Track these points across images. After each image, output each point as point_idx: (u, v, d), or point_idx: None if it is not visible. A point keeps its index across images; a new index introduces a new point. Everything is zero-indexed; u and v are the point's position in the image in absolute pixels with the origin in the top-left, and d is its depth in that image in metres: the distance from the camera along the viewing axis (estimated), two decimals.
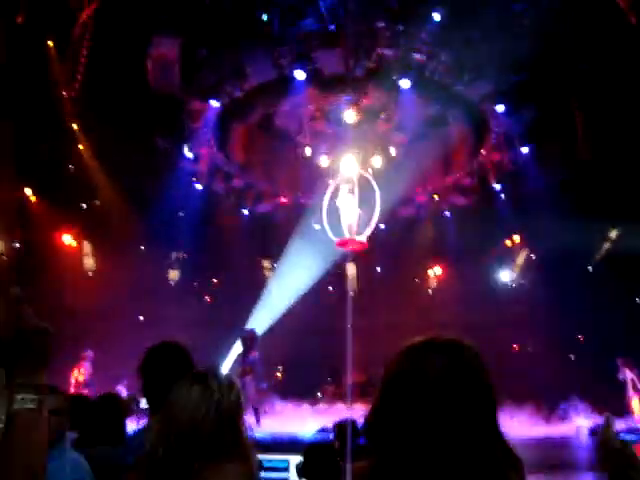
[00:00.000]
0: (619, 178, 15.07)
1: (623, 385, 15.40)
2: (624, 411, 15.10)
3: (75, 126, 15.64)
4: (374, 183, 16.43)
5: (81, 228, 16.94)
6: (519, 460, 1.38)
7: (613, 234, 18.48)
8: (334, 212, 16.79)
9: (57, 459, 2.72)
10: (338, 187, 16.89)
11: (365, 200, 16.31)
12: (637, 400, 15.09)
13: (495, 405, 1.35)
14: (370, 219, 16.30)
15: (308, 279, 19.16)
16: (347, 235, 16.44)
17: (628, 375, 15.12)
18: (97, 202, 17.29)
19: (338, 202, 16.88)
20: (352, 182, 16.67)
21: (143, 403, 3.44)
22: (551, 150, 16.22)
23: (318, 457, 4.46)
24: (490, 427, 1.33)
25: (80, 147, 16.05)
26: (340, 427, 5.21)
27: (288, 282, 19.11)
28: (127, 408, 4.21)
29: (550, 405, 15.49)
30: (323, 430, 11.33)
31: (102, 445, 3.52)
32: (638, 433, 13.12)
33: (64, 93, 14.48)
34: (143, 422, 3.04)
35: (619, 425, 14.09)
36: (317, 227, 16.91)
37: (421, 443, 1.29)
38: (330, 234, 16.54)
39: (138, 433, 3.19)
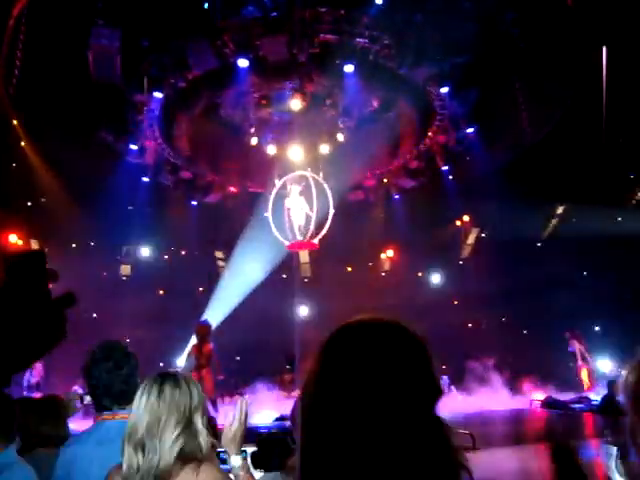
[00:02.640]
0: (564, 158, 15.38)
1: (572, 357, 15.83)
2: (573, 381, 15.55)
3: (15, 122, 15.31)
4: (325, 185, 16.56)
5: (27, 227, 16.58)
6: (455, 448, 1.26)
7: (559, 210, 18.88)
8: (280, 210, 16.92)
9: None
10: (285, 186, 16.96)
11: (310, 199, 16.47)
12: (585, 371, 15.52)
13: (434, 389, 1.27)
14: (320, 220, 16.44)
15: (261, 268, 19.13)
16: (298, 237, 16.54)
17: (576, 347, 15.54)
18: (43, 199, 16.97)
19: (287, 203, 16.96)
20: (302, 182, 16.78)
21: (88, 399, 3.41)
22: (496, 131, 16.44)
23: (273, 446, 4.48)
24: (427, 413, 1.25)
25: (22, 144, 15.72)
26: (295, 415, 5.22)
27: (242, 272, 19.05)
28: (68, 407, 4.14)
29: (505, 379, 15.83)
30: (281, 418, 11.37)
31: (45, 447, 3.49)
32: (586, 403, 13.53)
33: (1, 89, 14.12)
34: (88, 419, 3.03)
35: (569, 395, 14.58)
36: (267, 214, 16.96)
37: (353, 427, 1.21)
38: (280, 238, 16.64)
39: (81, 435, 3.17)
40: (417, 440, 1.21)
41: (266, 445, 4.52)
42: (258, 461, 4.42)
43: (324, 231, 16.53)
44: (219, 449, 2.67)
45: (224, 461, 2.66)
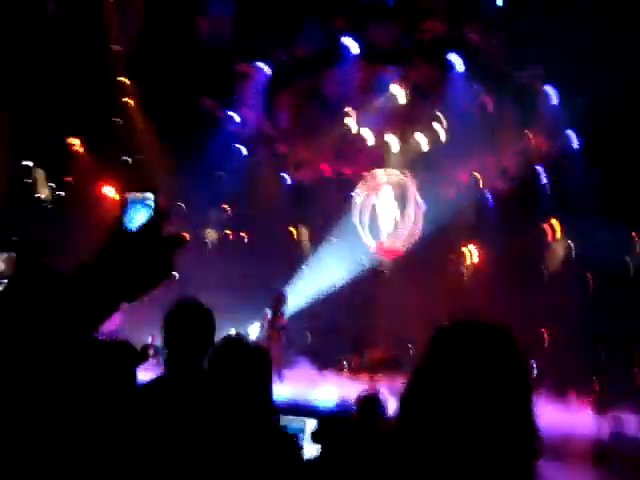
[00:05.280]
0: None
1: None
2: None
3: (125, 80, 15.78)
4: (417, 195, 16.45)
5: (123, 182, 17.12)
6: (541, 447, 1.37)
7: None
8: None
9: None
10: (376, 187, 16.93)
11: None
12: None
13: (529, 392, 1.37)
14: (410, 227, 16.37)
15: (347, 259, 19.02)
16: (384, 241, 16.52)
17: None
18: (140, 157, 17.46)
19: (377, 203, 16.94)
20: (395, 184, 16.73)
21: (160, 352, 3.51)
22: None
23: (335, 426, 4.52)
24: (524, 414, 1.34)
25: (128, 101, 16.21)
26: (364, 399, 5.24)
27: (329, 260, 18.97)
28: (141, 355, 4.25)
29: (578, 393, 15.42)
30: (343, 401, 11.40)
31: None
32: None
33: (116, 47, 14.59)
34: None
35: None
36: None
37: (448, 423, 1.30)
38: (366, 238, 16.61)
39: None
40: (509, 429, 1.30)
41: (329, 423, 4.56)
42: (318, 437, 4.48)
43: (412, 239, 16.53)
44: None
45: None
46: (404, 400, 1.41)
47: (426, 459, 1.30)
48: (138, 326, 14.68)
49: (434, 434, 1.31)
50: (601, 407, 14.77)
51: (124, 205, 1.31)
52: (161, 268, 1.33)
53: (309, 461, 3.16)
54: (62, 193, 16.57)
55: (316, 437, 4.48)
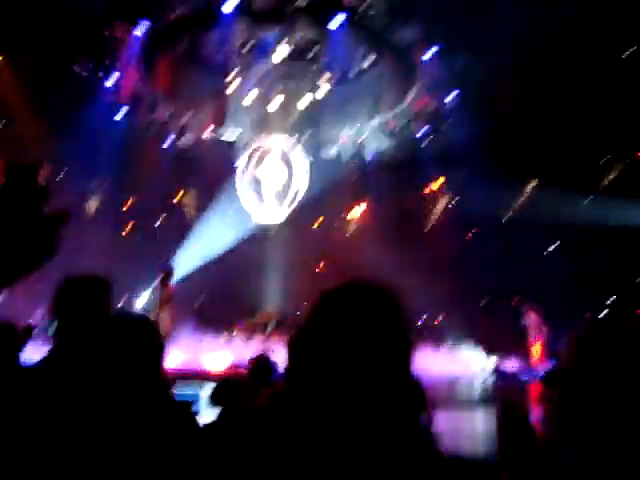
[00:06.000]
0: (541, 131, 15.49)
1: (524, 330, 16.10)
2: (523, 354, 15.88)
3: None
4: (299, 151, 16.55)
5: None
6: (427, 399, 1.54)
7: (530, 186, 19.02)
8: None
9: None
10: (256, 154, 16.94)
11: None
12: (537, 345, 15.82)
13: (409, 348, 1.46)
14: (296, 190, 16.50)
15: (236, 220, 18.91)
16: (269, 205, 16.61)
17: (532, 319, 15.76)
18: (13, 125, 16.64)
19: (259, 172, 16.96)
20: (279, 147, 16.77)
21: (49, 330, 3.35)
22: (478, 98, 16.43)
23: (229, 389, 4.57)
24: (402, 369, 1.43)
25: None
26: (255, 362, 5.31)
27: (216, 225, 18.78)
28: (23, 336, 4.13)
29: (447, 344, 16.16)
30: (236, 365, 11.47)
31: None
32: (534, 374, 13.90)
33: None
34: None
35: (515, 366, 14.96)
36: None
37: (334, 379, 1.38)
38: (249, 208, 16.63)
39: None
40: (390, 383, 1.40)
41: (221, 388, 4.62)
42: (215, 399, 4.53)
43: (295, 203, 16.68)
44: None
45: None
46: (289, 358, 1.51)
47: (312, 418, 1.40)
48: (12, 304, 14.16)
49: (316, 395, 1.40)
50: (486, 351, 15.63)
51: (5, 175, 1.27)
52: (44, 248, 1.30)
53: (206, 426, 3.17)
54: None
55: (212, 401, 4.53)
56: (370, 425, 1.37)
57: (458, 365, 15.08)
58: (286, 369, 1.52)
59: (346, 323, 1.42)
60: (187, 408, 2.77)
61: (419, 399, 1.49)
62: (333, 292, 1.50)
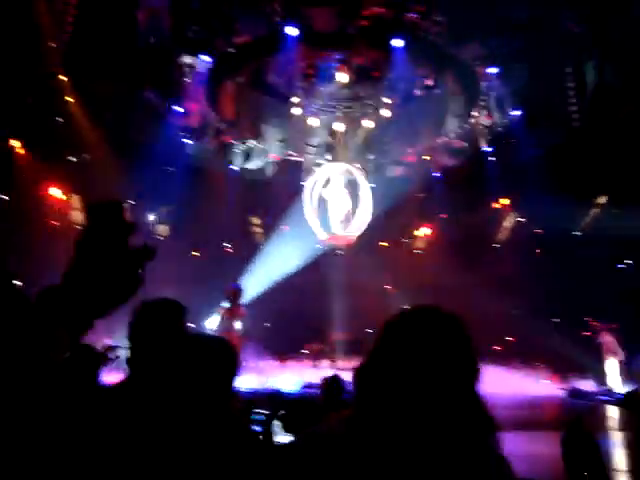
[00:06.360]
0: (611, 148, 15.12)
1: (599, 349, 15.64)
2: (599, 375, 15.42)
3: (63, 78, 15.45)
4: (363, 179, 16.58)
5: (69, 182, 16.78)
6: (494, 422, 1.48)
7: (601, 200, 18.54)
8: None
9: None
10: (322, 178, 17.03)
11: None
12: (613, 365, 15.32)
13: (476, 373, 1.45)
14: (362, 215, 16.50)
15: (302, 243, 19.02)
16: (335, 231, 16.65)
17: (607, 339, 15.34)
18: (86, 156, 17.14)
19: (325, 194, 17.03)
20: (345, 174, 16.82)
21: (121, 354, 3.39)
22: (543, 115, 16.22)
23: (302, 411, 4.55)
24: (469, 393, 1.43)
25: (68, 99, 15.87)
26: (327, 382, 5.28)
27: (283, 247, 18.92)
28: (103, 357, 4.21)
29: (526, 366, 15.76)
30: (308, 386, 11.47)
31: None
32: (613, 395, 13.51)
33: (52, 44, 14.25)
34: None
35: (592, 387, 14.54)
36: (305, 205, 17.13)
37: (402, 403, 1.39)
38: (317, 231, 16.67)
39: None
40: (458, 407, 1.41)
41: (295, 408, 4.59)
42: (287, 424, 4.50)
43: (363, 226, 16.64)
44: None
45: (259, 422, 2.71)
46: (358, 383, 1.52)
47: (380, 444, 1.40)
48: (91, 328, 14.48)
49: (386, 421, 1.41)
50: (559, 374, 15.24)
51: (90, 215, 1.30)
52: (130, 282, 1.33)
53: (283, 447, 3.16)
54: (5, 197, 16.15)
55: (285, 423, 4.51)
56: (441, 451, 1.37)
57: (531, 386, 14.76)
58: (355, 396, 1.52)
59: (412, 353, 1.43)
60: (260, 434, 2.75)
61: (487, 423, 1.47)
62: (398, 320, 1.51)
